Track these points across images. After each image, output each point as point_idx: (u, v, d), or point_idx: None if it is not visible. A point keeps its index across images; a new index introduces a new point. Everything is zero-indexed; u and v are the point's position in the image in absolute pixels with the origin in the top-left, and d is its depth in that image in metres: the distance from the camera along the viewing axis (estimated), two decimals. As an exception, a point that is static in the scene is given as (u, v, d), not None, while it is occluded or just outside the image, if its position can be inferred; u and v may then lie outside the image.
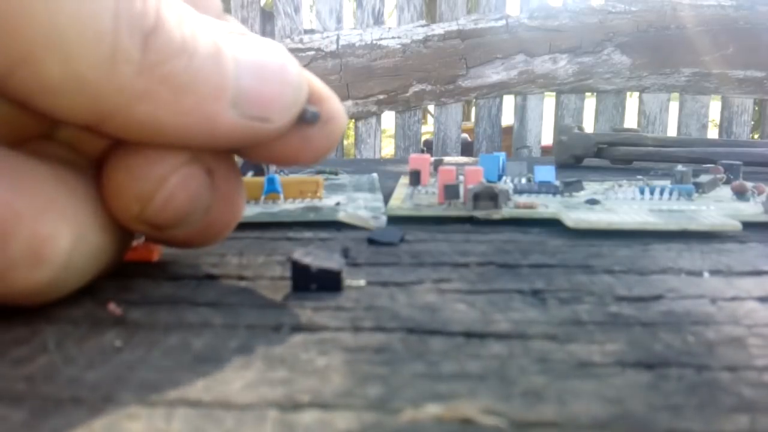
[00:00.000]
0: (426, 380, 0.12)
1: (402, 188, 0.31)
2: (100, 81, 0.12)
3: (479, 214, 0.25)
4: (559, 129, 0.47)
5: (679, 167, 0.31)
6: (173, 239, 0.16)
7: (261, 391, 0.12)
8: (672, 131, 1.45)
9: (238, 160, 0.32)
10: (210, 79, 0.13)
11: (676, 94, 1.43)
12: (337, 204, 0.28)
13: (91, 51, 0.12)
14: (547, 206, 0.26)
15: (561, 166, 0.44)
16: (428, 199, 0.28)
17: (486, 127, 1.42)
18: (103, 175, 0.15)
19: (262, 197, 0.28)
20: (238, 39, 0.15)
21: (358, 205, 0.28)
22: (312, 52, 1.34)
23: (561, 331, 0.15)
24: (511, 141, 1.45)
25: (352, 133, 1.58)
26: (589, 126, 1.44)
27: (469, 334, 0.14)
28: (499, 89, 1.39)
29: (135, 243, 0.20)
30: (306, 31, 1.37)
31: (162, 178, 0.15)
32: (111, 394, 0.12)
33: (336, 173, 0.37)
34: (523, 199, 0.28)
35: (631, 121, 1.47)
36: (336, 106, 0.16)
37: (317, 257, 0.18)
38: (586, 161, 0.47)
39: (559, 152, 0.46)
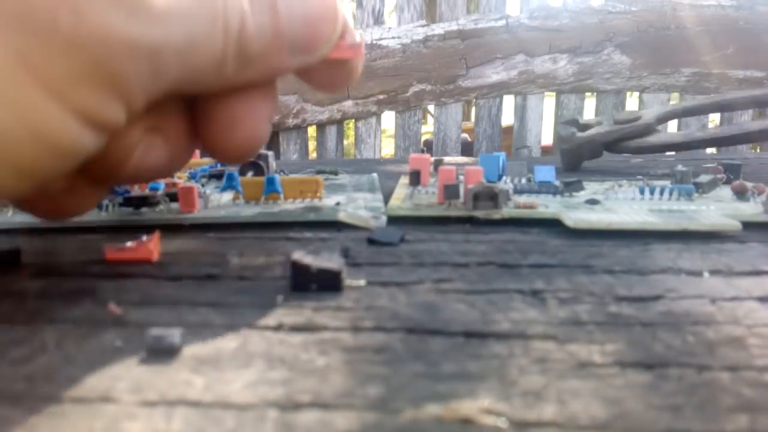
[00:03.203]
0: (426, 380, 0.12)
1: (402, 188, 0.31)
2: (211, 71, 0.16)
3: (479, 214, 0.25)
4: (559, 138, 0.45)
5: (679, 167, 0.31)
6: (142, 179, 0.19)
7: (261, 391, 0.12)
8: (672, 131, 1.45)
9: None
10: (271, 42, 0.16)
11: (676, 94, 1.43)
12: (337, 204, 0.28)
13: (209, 57, 0.15)
14: (547, 206, 0.26)
15: (570, 171, 0.43)
16: (428, 199, 0.28)
17: (486, 127, 1.42)
18: None
19: (262, 197, 0.28)
20: None
21: (358, 205, 0.28)
22: (312, 52, 1.34)
23: (561, 331, 0.15)
24: (511, 141, 1.45)
25: (352, 133, 1.58)
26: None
27: (469, 334, 0.14)
28: (499, 89, 1.39)
29: (134, 242, 0.20)
30: (306, 31, 1.37)
31: (130, 148, 0.17)
32: (111, 394, 0.12)
33: (336, 173, 0.37)
34: (523, 199, 0.28)
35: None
36: (357, 38, 0.19)
37: (317, 257, 0.18)
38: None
39: (565, 159, 0.44)
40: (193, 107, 0.18)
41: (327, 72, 0.19)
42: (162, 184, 0.28)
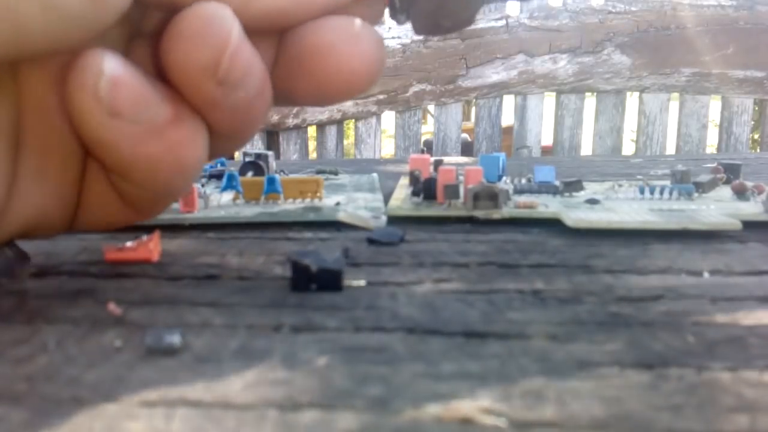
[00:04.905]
0: (426, 380, 0.12)
1: (402, 188, 0.31)
2: None
3: (479, 214, 0.25)
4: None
5: (679, 167, 0.31)
6: (237, 105, 0.17)
7: (261, 391, 0.12)
8: (672, 131, 1.45)
9: (239, 159, 0.32)
10: None
11: (676, 94, 1.43)
12: (337, 204, 0.28)
13: None
14: (547, 206, 0.26)
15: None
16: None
17: (486, 127, 1.42)
18: (169, 48, 0.16)
19: (262, 197, 0.28)
20: None
21: (358, 205, 0.28)
22: (312, 52, 1.34)
23: (561, 331, 0.15)
24: (511, 141, 1.45)
25: (352, 133, 1.58)
26: (589, 126, 1.44)
27: (469, 334, 0.14)
28: (499, 89, 1.39)
29: (134, 242, 0.20)
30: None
31: (228, 33, 0.16)
32: (111, 394, 0.12)
33: (336, 173, 0.37)
34: (523, 199, 0.28)
35: (631, 121, 1.47)
36: None
37: (317, 257, 0.18)
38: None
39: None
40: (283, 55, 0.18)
41: None
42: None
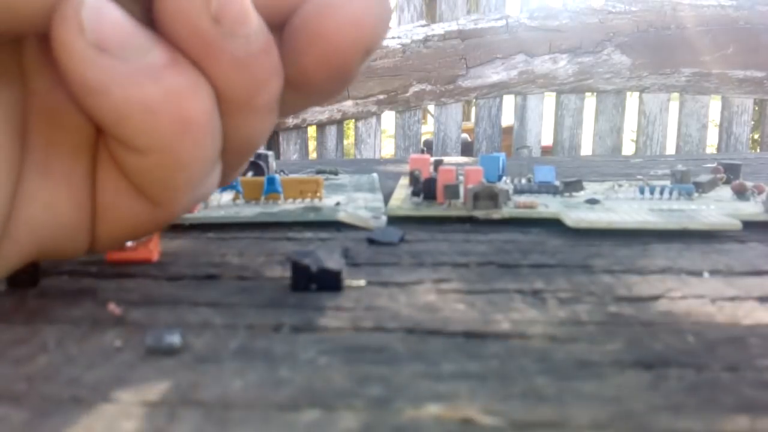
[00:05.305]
0: (426, 380, 0.12)
1: (402, 188, 0.31)
2: None
3: (479, 214, 0.25)
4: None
5: (679, 167, 0.31)
6: (238, 57, 0.16)
7: (261, 391, 0.12)
8: (672, 131, 1.45)
9: None
10: None
11: (676, 94, 1.43)
12: (337, 204, 0.28)
13: None
14: (547, 206, 0.26)
15: None
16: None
17: (486, 127, 1.42)
18: None
19: (262, 197, 0.28)
20: None
21: (358, 205, 0.28)
22: (312, 52, 1.33)
23: (561, 331, 0.15)
24: (511, 141, 1.45)
25: (352, 133, 1.58)
26: (589, 126, 1.44)
27: (469, 334, 0.14)
28: (499, 89, 1.39)
29: (134, 242, 0.20)
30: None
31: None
32: (111, 394, 0.12)
33: (336, 173, 0.37)
34: (523, 199, 0.28)
35: (631, 121, 1.47)
36: None
37: (317, 257, 0.18)
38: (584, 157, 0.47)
39: None
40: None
41: None
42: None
